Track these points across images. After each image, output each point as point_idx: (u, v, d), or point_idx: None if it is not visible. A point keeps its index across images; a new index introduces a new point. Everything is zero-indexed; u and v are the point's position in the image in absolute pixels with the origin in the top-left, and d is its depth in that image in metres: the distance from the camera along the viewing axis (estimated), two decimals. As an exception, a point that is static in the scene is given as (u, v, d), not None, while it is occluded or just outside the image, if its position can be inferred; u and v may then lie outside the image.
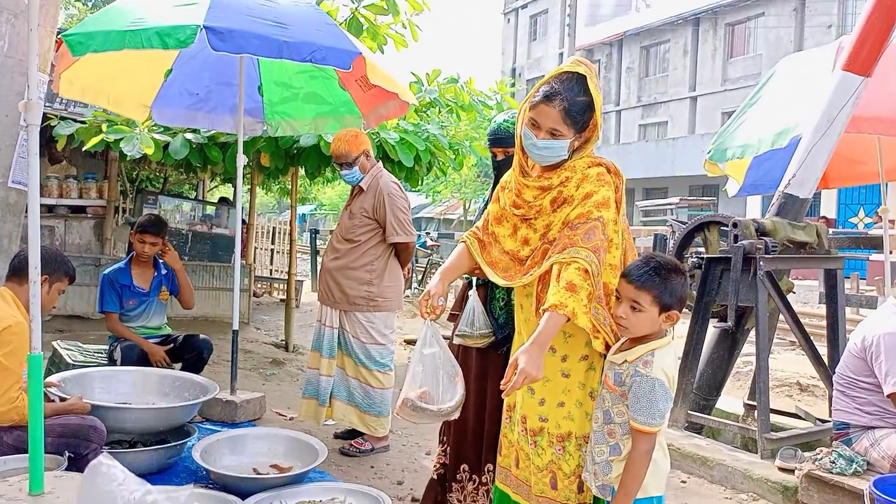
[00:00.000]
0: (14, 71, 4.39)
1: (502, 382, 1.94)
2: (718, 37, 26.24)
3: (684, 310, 2.12)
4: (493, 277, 2.24)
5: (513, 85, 8.43)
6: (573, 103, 2.01)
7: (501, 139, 2.69)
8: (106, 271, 4.18)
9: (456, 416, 2.18)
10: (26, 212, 4.89)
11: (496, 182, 2.76)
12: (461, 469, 2.69)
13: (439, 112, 6.58)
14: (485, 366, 2.64)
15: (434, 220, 34.58)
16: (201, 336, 4.23)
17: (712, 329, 4.33)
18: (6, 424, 2.54)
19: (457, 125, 6.50)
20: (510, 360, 1.97)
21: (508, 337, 2.55)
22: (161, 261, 4.30)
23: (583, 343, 2.07)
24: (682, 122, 27.46)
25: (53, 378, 3.23)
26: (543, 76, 2.15)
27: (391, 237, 3.83)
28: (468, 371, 2.68)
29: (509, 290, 2.58)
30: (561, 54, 28.87)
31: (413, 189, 9.33)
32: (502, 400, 2.44)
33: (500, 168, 2.71)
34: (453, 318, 3.00)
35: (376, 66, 3.58)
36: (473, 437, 2.66)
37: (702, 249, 4.37)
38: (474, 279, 2.67)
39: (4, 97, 4.37)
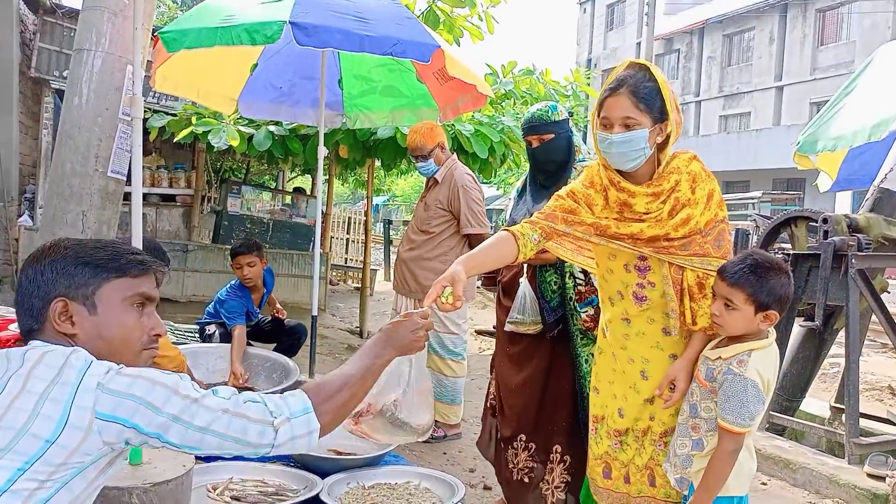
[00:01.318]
0: (114, 67, 4.65)
1: (658, 393, 1.98)
2: (808, 23, 24.95)
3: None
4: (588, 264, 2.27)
5: (588, 76, 8.31)
6: (642, 87, 1.87)
7: (535, 127, 2.71)
8: (230, 294, 4.07)
9: (426, 437, 1.89)
10: (123, 200, 5.21)
11: (532, 169, 2.79)
12: (518, 438, 2.73)
13: (514, 104, 6.56)
14: (533, 349, 2.70)
15: (504, 211, 34.49)
16: (298, 322, 4.40)
17: (798, 328, 4.16)
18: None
19: (532, 116, 6.48)
20: (667, 374, 1.98)
21: (560, 320, 2.57)
22: (268, 277, 4.30)
23: None
24: (766, 112, 26.31)
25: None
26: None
27: (465, 228, 3.86)
28: (515, 353, 2.78)
29: (563, 274, 2.59)
30: (638, 44, 28.15)
31: (486, 181, 9.33)
32: (561, 384, 2.45)
33: (535, 155, 2.74)
34: (488, 282, 3.08)
35: (454, 58, 3.60)
36: (528, 413, 2.70)
37: (787, 245, 4.21)
38: (525, 266, 2.70)
39: (105, 92, 4.64)
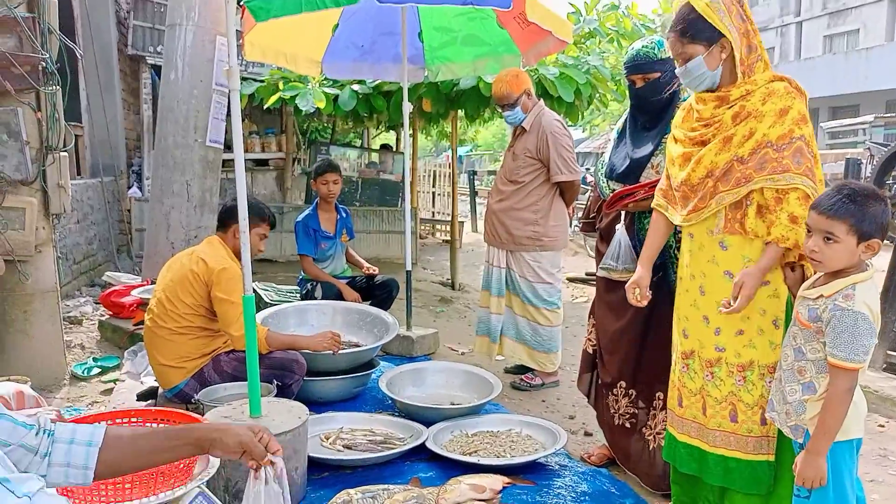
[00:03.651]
0: (204, 39, 4.82)
1: (725, 301, 2.01)
2: (926, -78, 22.42)
3: (885, 241, 1.95)
4: (675, 219, 2.22)
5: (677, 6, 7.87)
6: (683, 23, 2.06)
7: (640, 65, 2.57)
8: (298, 218, 4.46)
9: None
10: (222, 167, 5.42)
11: (633, 109, 2.69)
12: (619, 385, 2.75)
13: (599, 42, 6.32)
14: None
15: (591, 154, 33.51)
16: (389, 277, 4.53)
17: (918, 262, 3.89)
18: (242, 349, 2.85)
19: (619, 53, 6.21)
20: (735, 281, 1.99)
21: (660, 267, 2.50)
22: (341, 206, 4.58)
23: None
24: (877, 28, 24.06)
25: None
26: None
27: (555, 176, 3.79)
28: (613, 301, 2.74)
29: None
30: (730, -36, 26.18)
31: (572, 124, 9.11)
32: (663, 331, 2.42)
33: (638, 96, 2.62)
34: (586, 227, 3.05)
35: (535, 0, 3.49)
36: (628, 360, 2.71)
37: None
38: (623, 212, 2.63)
39: (199, 65, 4.83)
